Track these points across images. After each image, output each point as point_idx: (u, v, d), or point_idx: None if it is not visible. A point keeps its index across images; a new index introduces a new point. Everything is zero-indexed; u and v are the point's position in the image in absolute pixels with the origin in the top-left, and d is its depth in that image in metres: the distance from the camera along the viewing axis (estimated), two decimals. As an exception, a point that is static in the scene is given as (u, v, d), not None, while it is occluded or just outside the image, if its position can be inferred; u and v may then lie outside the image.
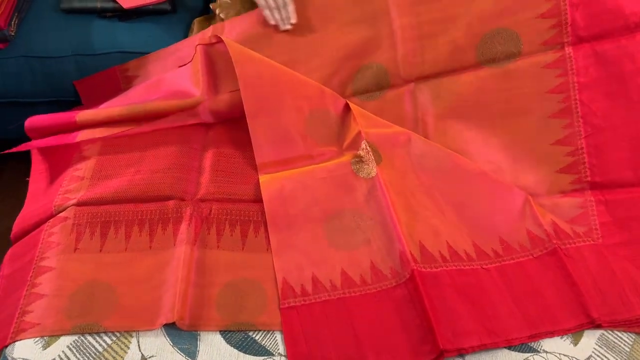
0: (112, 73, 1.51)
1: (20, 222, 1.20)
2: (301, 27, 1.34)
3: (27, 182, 1.68)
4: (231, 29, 1.38)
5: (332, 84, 1.34)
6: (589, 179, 1.22)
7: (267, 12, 1.32)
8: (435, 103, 1.31)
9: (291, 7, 1.31)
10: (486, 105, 1.28)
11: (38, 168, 1.34)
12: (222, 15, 1.48)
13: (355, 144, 1.26)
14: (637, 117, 1.20)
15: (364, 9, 1.32)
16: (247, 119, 1.25)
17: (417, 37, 1.31)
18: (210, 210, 1.18)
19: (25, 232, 1.17)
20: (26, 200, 1.28)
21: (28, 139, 1.41)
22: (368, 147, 1.23)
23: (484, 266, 1.11)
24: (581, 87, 1.22)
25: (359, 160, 1.23)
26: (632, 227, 1.18)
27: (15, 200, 1.82)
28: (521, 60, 1.26)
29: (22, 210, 1.24)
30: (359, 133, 1.25)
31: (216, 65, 1.34)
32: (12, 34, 1.47)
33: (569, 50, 1.23)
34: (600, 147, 1.21)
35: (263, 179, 1.23)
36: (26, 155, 1.43)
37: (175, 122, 1.30)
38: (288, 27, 1.33)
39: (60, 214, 1.15)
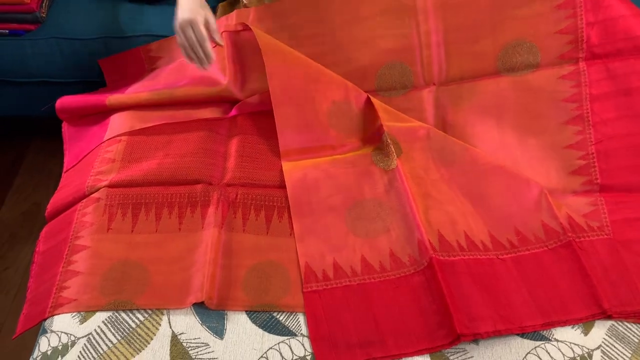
0: (136, 53, 1.54)
1: (54, 201, 1.24)
2: (328, 23, 1.36)
3: (52, 158, 1.71)
4: (258, 19, 1.39)
5: (356, 79, 1.36)
6: (598, 181, 1.27)
7: (183, 52, 1.20)
8: (455, 105, 1.36)
9: (208, 45, 1.17)
10: (504, 109, 1.33)
11: (70, 148, 1.39)
12: (245, 1, 1.50)
13: (376, 137, 1.30)
14: None
15: (392, 10, 1.35)
16: (273, 107, 1.29)
17: (443, 43, 1.35)
18: (237, 195, 1.21)
19: (59, 211, 1.22)
20: (60, 181, 1.32)
21: (57, 118, 1.45)
22: (389, 140, 1.26)
23: (500, 256, 1.15)
24: (593, 98, 1.29)
25: (380, 152, 1.27)
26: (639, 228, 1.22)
27: (41, 176, 1.87)
28: (539, 71, 1.32)
29: (56, 191, 1.28)
30: (380, 126, 1.29)
31: (242, 52, 1.37)
32: (44, 15, 1.50)
33: (582, 65, 1.31)
34: (608, 154, 1.28)
35: (286, 166, 1.27)
36: (51, 132, 1.47)
37: (202, 116, 1.34)
38: (207, 66, 1.21)
39: (93, 195, 1.19)
